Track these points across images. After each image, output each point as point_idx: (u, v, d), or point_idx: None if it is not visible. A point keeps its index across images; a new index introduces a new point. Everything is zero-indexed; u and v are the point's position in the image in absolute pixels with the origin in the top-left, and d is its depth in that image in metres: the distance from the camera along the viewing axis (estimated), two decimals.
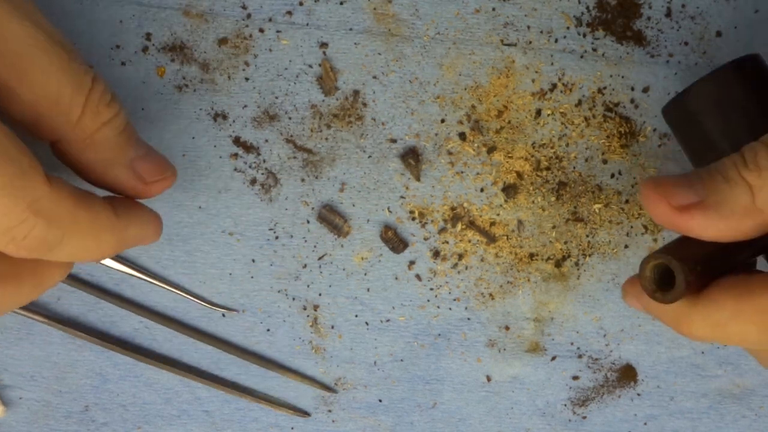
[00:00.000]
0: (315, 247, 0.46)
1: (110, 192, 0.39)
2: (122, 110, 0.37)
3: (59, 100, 0.35)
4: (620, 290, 0.41)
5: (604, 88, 0.45)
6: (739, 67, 0.39)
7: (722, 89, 0.39)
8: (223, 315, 0.47)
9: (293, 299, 0.46)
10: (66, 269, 0.37)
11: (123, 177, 0.38)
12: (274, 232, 0.46)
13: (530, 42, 0.44)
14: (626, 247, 0.46)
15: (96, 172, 0.37)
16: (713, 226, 0.34)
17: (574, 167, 0.45)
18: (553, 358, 0.46)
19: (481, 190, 0.45)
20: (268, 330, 0.47)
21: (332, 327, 0.46)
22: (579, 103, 0.45)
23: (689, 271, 0.34)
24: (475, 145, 0.45)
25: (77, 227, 0.34)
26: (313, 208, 0.46)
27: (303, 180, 0.46)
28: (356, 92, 0.45)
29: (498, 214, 0.46)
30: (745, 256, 0.37)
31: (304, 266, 0.46)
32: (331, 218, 0.46)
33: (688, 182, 0.35)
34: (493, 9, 0.44)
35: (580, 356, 0.46)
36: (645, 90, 0.45)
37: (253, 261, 0.46)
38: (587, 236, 0.46)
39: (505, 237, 0.46)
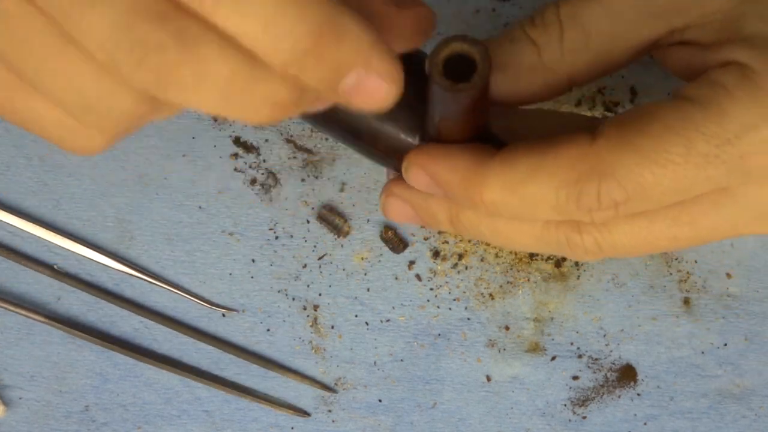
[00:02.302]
0: (315, 247, 0.46)
1: None
2: None
3: None
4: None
5: (604, 87, 0.45)
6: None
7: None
8: (223, 315, 0.47)
9: (293, 299, 0.46)
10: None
11: None
12: (274, 232, 0.46)
13: None
14: None
15: None
16: (501, 85, 0.33)
17: None
18: (553, 358, 0.46)
19: None
20: (268, 330, 0.47)
21: (332, 327, 0.46)
22: (579, 102, 0.45)
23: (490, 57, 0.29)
24: None
25: None
26: (313, 208, 0.46)
27: (303, 180, 0.46)
28: None
29: None
30: None
31: (304, 266, 0.46)
32: (331, 218, 0.46)
33: None
34: (493, 9, 0.44)
35: (580, 356, 0.46)
36: (645, 90, 0.45)
37: (253, 261, 0.46)
38: None
39: None
